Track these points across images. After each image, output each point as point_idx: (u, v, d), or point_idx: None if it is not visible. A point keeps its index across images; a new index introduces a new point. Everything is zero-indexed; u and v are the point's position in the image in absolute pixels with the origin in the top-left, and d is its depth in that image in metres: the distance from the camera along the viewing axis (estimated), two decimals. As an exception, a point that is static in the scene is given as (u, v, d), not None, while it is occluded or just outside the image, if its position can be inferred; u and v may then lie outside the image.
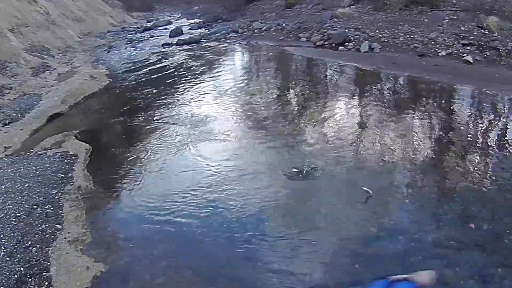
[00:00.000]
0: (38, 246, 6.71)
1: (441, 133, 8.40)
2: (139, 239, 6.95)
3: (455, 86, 9.98)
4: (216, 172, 8.66)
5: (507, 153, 7.54)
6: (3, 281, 5.89)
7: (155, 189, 8.15)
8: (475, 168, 7.42)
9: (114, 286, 6.15)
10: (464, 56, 11.17)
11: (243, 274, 6.19)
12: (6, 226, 6.87)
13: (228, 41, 14.88)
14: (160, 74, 12.33)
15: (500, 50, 11.10)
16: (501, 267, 5.39)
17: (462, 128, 8.42)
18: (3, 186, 7.60)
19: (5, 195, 7.44)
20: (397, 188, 7.18)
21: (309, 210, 6.98)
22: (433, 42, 12.17)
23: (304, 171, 7.38)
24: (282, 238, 6.80)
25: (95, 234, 7.09)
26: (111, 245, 6.87)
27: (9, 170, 8.16)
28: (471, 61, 10.83)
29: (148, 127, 10.06)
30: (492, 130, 8.29)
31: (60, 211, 7.46)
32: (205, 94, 10.83)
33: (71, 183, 8.17)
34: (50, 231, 7.07)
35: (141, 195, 7.99)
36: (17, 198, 7.46)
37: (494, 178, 7.14)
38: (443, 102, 9.89)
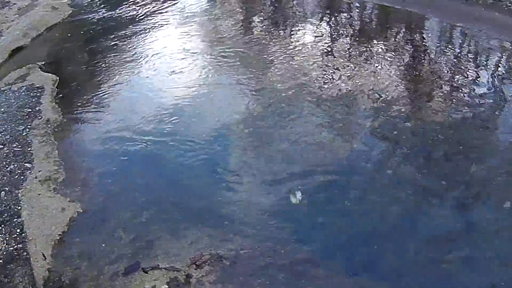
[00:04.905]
0: (6, 189, 6.62)
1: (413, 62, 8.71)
2: (116, 173, 6.91)
3: (435, 18, 10.25)
4: (187, 99, 8.55)
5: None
6: None
7: (129, 118, 8.09)
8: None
9: (93, 228, 6.05)
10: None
11: (227, 209, 6.17)
12: (-29, 171, 6.47)
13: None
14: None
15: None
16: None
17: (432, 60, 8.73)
18: (-34, 128, 7.20)
19: (-32, 138, 7.04)
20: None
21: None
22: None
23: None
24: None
25: (69, 170, 6.98)
26: (87, 181, 6.80)
27: (-29, 110, 7.73)
28: (449, -2, 11.23)
29: (115, 55, 10.07)
30: (458, 64, 8.65)
31: (29, 149, 7.34)
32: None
33: (39, 117, 8.08)
34: (19, 171, 6.94)
35: (115, 126, 7.93)
36: (-19, 140, 7.01)
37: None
38: (420, 32, 10.05)
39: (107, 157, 7.12)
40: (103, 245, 5.78)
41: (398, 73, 8.50)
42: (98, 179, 6.73)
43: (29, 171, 6.86)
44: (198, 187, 6.43)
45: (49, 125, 7.88)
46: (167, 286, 5.21)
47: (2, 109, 8.16)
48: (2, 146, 7.28)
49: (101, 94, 8.78)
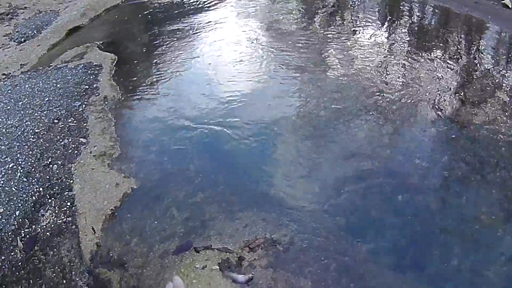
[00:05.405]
0: (59, 163, 6.51)
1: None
2: (172, 152, 6.72)
3: (495, 26, 10.31)
4: (248, 87, 8.36)
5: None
6: (19, 204, 5.80)
7: (188, 100, 7.95)
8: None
9: (146, 204, 5.84)
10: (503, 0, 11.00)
11: (284, 196, 5.91)
12: (24, 144, 6.80)
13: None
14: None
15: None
16: None
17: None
18: (20, 103, 7.71)
19: (22, 112, 7.47)
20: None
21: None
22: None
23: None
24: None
25: (125, 147, 6.86)
26: (143, 159, 6.61)
27: (26, 86, 8.28)
28: (510, 6, 10.58)
29: (174, 36, 10.34)
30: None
31: (85, 124, 7.28)
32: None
33: (97, 94, 8.08)
34: (73, 145, 6.85)
35: (173, 106, 7.82)
36: (36, 114, 7.44)
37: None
38: (480, 38, 10.12)
39: (164, 136, 6.96)
40: (155, 222, 5.58)
41: (457, 79, 8.23)
42: (154, 157, 6.58)
43: (84, 146, 6.77)
44: (256, 172, 6.20)
45: (106, 102, 7.84)
46: (218, 267, 4.98)
47: (59, 85, 8.16)
48: (57, 121, 7.26)
49: (161, 76, 8.75)
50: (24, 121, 7.18)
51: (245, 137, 6.78)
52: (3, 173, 6.19)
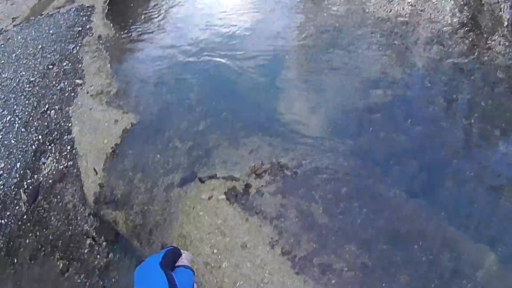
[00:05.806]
0: (56, 107, 6.17)
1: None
2: (171, 84, 6.23)
3: None
4: (244, 15, 7.78)
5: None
6: (20, 156, 5.53)
7: (185, 30, 7.45)
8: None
9: (148, 138, 5.45)
10: None
11: (288, 119, 5.43)
12: (20, 94, 6.47)
13: None
14: None
15: None
16: None
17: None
18: (14, 55, 7.36)
19: (16, 63, 7.11)
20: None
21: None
22: None
23: None
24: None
25: (122, 83, 6.41)
26: (141, 92, 6.17)
27: (19, 37, 7.94)
28: None
29: None
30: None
31: (80, 65, 6.87)
32: None
33: (90, 34, 7.63)
34: (69, 88, 6.47)
35: (170, 38, 7.30)
36: (30, 63, 7.04)
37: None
38: None
39: (162, 69, 6.47)
40: (158, 155, 5.20)
41: (462, 8, 7.27)
42: (152, 89, 6.12)
43: (80, 87, 6.40)
44: (259, 98, 5.72)
45: (100, 41, 7.39)
46: (224, 197, 4.56)
47: (51, 31, 7.76)
48: (52, 66, 6.87)
49: (156, 10, 8.22)
50: (19, 71, 6.87)
51: (246, 65, 6.26)
52: (1, 127, 5.93)
